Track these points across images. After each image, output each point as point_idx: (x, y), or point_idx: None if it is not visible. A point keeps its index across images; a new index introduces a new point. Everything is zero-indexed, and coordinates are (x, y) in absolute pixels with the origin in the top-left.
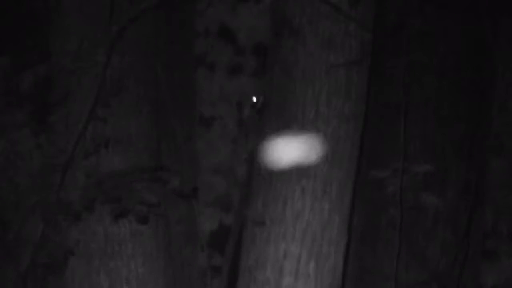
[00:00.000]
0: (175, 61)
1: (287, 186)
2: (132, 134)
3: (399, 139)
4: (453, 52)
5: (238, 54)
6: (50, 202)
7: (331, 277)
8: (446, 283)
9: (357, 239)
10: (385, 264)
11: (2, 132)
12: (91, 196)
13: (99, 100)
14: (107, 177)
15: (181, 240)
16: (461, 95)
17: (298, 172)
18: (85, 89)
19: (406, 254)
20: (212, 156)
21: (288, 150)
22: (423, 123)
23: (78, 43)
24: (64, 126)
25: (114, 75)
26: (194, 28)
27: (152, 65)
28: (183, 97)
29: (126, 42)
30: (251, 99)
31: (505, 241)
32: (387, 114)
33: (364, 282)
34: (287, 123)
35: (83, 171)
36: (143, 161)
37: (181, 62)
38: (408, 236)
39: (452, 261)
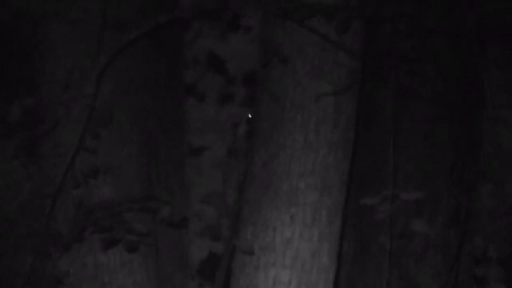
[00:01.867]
0: (164, 91)
1: (276, 214)
2: (122, 164)
3: (388, 166)
4: (442, 78)
5: (228, 83)
6: (39, 232)
7: None
8: None
9: (348, 266)
10: None
11: None
12: (81, 226)
13: (88, 130)
14: (97, 207)
15: (171, 269)
16: (450, 121)
17: (288, 200)
18: (74, 120)
19: (396, 280)
20: (202, 185)
21: (278, 178)
22: (412, 149)
23: (66, 74)
24: (53, 157)
25: (103, 105)
26: (184, 57)
27: (142, 95)
28: (172, 127)
29: (115, 73)
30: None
31: (495, 266)
32: (376, 141)
33: None
34: (276, 152)
35: (73, 202)
36: (133, 191)
37: (170, 92)
38: (398, 262)
39: (443, 287)
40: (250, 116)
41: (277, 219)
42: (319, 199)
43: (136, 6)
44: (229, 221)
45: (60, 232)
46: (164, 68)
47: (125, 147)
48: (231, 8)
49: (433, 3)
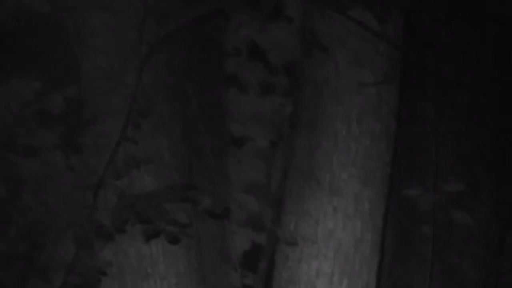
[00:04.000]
0: (205, 81)
1: (319, 205)
2: (163, 155)
3: (430, 157)
4: (483, 69)
5: (270, 73)
6: (82, 223)
7: None
8: None
9: (390, 257)
10: (418, 282)
11: (34, 154)
12: (123, 217)
13: (130, 120)
14: (139, 198)
15: (214, 260)
16: (492, 112)
17: (330, 191)
18: (116, 110)
19: (439, 271)
20: (244, 175)
21: (320, 169)
22: (454, 140)
23: (108, 64)
24: (95, 147)
25: (144, 95)
26: (225, 47)
27: (183, 85)
28: (214, 117)
29: (156, 62)
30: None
31: None
32: (418, 132)
33: None
34: (319, 142)
35: (115, 192)
36: (174, 181)
37: (212, 82)
38: (441, 253)
39: (485, 278)
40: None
41: (319, 210)
42: (361, 190)
43: None
44: (272, 211)
45: (103, 223)
46: (205, 59)
47: (166, 138)
48: None
49: None
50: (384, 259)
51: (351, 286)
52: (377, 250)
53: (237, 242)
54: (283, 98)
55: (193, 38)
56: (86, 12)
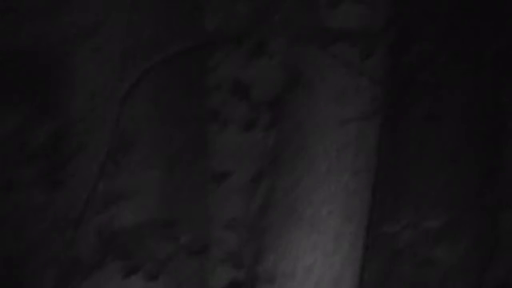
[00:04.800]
0: (187, 116)
1: (298, 241)
2: (143, 190)
3: (411, 193)
4: (466, 105)
5: (251, 109)
6: (61, 259)
7: None
8: None
9: None
10: None
11: (14, 189)
12: (102, 252)
13: (110, 156)
14: (118, 233)
15: None
16: (473, 148)
17: (310, 227)
18: (97, 144)
19: None
20: (224, 211)
21: (300, 205)
22: (435, 176)
23: (89, 100)
24: (75, 182)
25: (125, 130)
26: (207, 82)
27: (164, 121)
28: (195, 153)
29: (138, 96)
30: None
31: None
32: (399, 168)
33: None
34: (299, 178)
35: (94, 228)
36: (154, 217)
37: (193, 117)
38: None
39: None
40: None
41: (299, 246)
42: (341, 226)
43: (159, 32)
44: (251, 248)
45: (82, 258)
46: (187, 94)
47: (147, 173)
48: (256, 34)
49: (457, 29)
50: None
51: None
52: (356, 287)
53: (216, 279)
54: (264, 133)
55: (175, 73)
56: (68, 47)
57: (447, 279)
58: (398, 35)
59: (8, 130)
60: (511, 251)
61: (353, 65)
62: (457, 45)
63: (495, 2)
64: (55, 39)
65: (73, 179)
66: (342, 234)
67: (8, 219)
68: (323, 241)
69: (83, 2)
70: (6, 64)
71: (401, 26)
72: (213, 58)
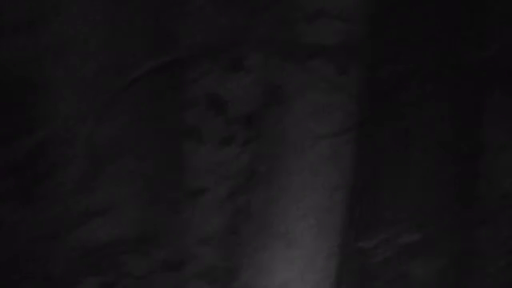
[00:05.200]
0: (163, 132)
1: (274, 257)
2: (120, 206)
3: (386, 210)
4: (441, 120)
5: (228, 124)
6: (36, 275)
7: None
8: None
9: None
10: None
11: None
12: (78, 268)
13: (86, 172)
14: (94, 249)
15: None
16: (448, 165)
17: (286, 242)
18: (73, 161)
19: None
20: (200, 227)
21: (276, 221)
22: (410, 193)
23: (65, 115)
24: (51, 198)
25: (102, 146)
26: (184, 98)
27: (140, 136)
28: (171, 168)
29: (115, 112)
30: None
31: None
32: (374, 184)
33: None
34: (275, 194)
35: (69, 244)
36: (130, 233)
37: (170, 133)
38: None
39: None
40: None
41: (275, 261)
42: (316, 241)
43: (136, 47)
44: (227, 263)
45: (57, 274)
46: (163, 109)
47: (123, 189)
48: (232, 49)
49: (433, 45)
50: None
51: None
52: None
53: None
54: (241, 149)
55: (151, 89)
56: (45, 63)
57: None
58: (374, 52)
59: None
60: (487, 267)
61: (329, 81)
62: (433, 62)
63: (471, 16)
64: (30, 57)
65: (49, 194)
66: (317, 250)
67: None
68: (298, 257)
69: (57, 20)
70: None
71: (377, 43)
72: (190, 73)
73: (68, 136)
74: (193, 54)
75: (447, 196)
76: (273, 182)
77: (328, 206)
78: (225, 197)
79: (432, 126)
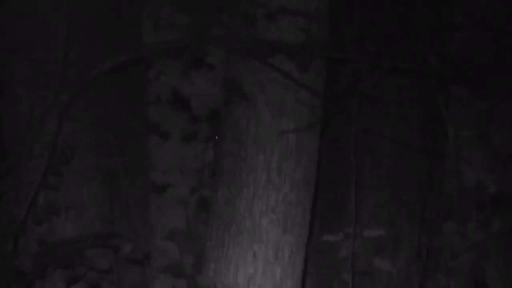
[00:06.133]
0: (127, 128)
1: (239, 251)
2: (84, 202)
3: (351, 204)
4: (405, 118)
5: (191, 121)
6: (2, 270)
7: None
8: None
9: None
10: None
11: None
12: (44, 263)
13: (50, 168)
14: (59, 244)
15: None
16: (413, 160)
17: (250, 237)
18: (36, 157)
19: None
20: (164, 222)
21: (240, 216)
22: (374, 188)
23: (28, 112)
24: (15, 194)
25: (65, 143)
26: (147, 95)
27: (104, 133)
28: (135, 164)
29: (77, 111)
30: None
31: None
32: (338, 180)
33: None
34: (239, 189)
35: (35, 239)
36: (95, 228)
37: (133, 129)
38: None
39: None
40: (213, 153)
41: (239, 256)
42: (281, 236)
43: (98, 45)
44: (192, 258)
45: (23, 269)
46: (127, 106)
47: (87, 185)
48: (194, 47)
49: (395, 43)
50: None
51: None
52: None
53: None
54: (204, 145)
55: (114, 87)
56: (6, 62)
57: None
58: (337, 48)
59: None
60: (450, 261)
61: (292, 77)
62: (395, 59)
63: (433, 13)
64: None
65: (13, 190)
66: (283, 243)
67: None
68: (263, 250)
69: (21, 14)
70: None
71: (338, 39)
72: (152, 70)
73: (32, 131)
74: (155, 51)
75: (413, 191)
76: (237, 178)
77: (292, 201)
78: (189, 193)
79: (396, 121)
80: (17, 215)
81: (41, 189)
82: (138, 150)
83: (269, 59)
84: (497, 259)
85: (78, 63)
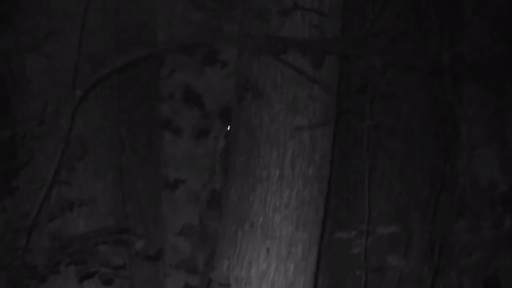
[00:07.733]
0: (140, 125)
1: (252, 247)
2: (97, 197)
3: (363, 202)
4: (417, 115)
5: (204, 117)
6: (15, 265)
7: None
8: None
9: None
10: None
11: None
12: (56, 258)
13: (63, 163)
14: (72, 239)
15: None
16: (425, 158)
17: (263, 233)
18: (49, 153)
19: None
20: (177, 218)
21: (253, 212)
22: (387, 185)
23: (42, 107)
24: (28, 190)
25: (78, 138)
26: (159, 91)
27: (117, 129)
28: (148, 160)
29: (90, 106)
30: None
31: None
32: (351, 177)
33: None
34: (252, 185)
35: (48, 234)
36: (108, 223)
37: (146, 126)
38: None
39: None
40: (225, 149)
41: (252, 252)
42: (294, 232)
43: (112, 41)
44: (205, 254)
45: (36, 264)
46: (139, 102)
47: (100, 180)
48: (207, 43)
49: (408, 40)
50: None
51: None
52: None
53: (170, 284)
54: (217, 141)
55: (127, 83)
56: (20, 57)
57: (400, 285)
58: (350, 44)
59: None
60: (463, 259)
61: (305, 74)
62: (408, 56)
63: (445, 12)
64: (8, 47)
65: (26, 186)
66: (296, 240)
67: None
68: (276, 247)
69: (36, 11)
70: None
71: (352, 36)
72: (165, 66)
73: (46, 127)
74: (169, 48)
75: (425, 189)
76: (250, 173)
77: (305, 197)
78: (202, 189)
79: (409, 119)
80: (30, 210)
81: (54, 185)
82: (151, 146)
83: (283, 56)
84: (509, 257)
85: (92, 59)
